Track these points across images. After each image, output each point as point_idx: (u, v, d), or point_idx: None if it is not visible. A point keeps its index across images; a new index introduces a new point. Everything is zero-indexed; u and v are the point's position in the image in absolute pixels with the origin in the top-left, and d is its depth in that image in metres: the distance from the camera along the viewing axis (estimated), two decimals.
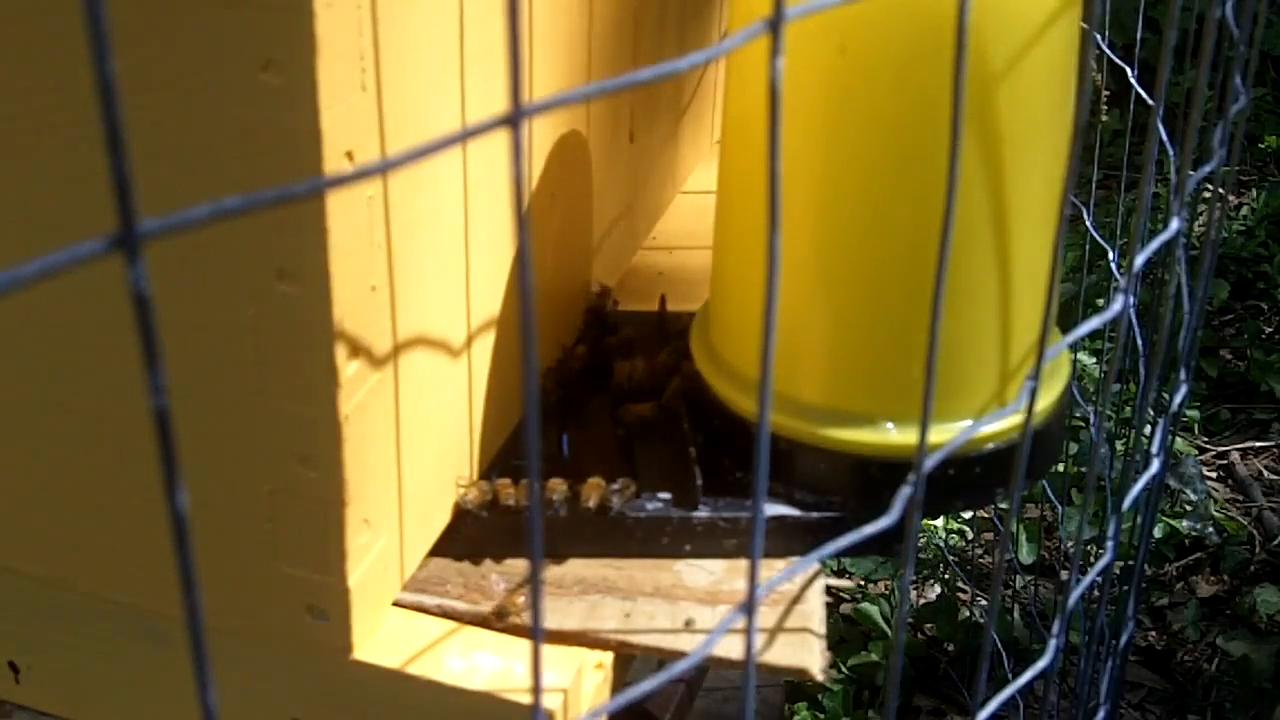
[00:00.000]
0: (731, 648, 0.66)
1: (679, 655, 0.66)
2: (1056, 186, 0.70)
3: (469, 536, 0.72)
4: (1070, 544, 1.62)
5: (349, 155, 0.55)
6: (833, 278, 0.71)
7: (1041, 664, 0.52)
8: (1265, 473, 1.92)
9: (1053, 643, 0.53)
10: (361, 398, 0.60)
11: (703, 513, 0.73)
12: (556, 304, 0.86)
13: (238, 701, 0.69)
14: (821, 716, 1.52)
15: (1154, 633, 1.67)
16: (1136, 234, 0.51)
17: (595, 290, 0.92)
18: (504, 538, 0.72)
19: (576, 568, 0.72)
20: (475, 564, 0.72)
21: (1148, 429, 1.04)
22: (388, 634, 0.67)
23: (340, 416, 0.59)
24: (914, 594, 1.70)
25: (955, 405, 0.72)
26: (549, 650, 0.67)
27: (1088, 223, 1.18)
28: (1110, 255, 1.04)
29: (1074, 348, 1.42)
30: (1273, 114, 2.72)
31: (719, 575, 0.72)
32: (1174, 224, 0.58)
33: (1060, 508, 1.54)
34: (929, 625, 1.67)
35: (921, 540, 1.76)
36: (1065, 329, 0.61)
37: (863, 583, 1.74)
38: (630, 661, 0.72)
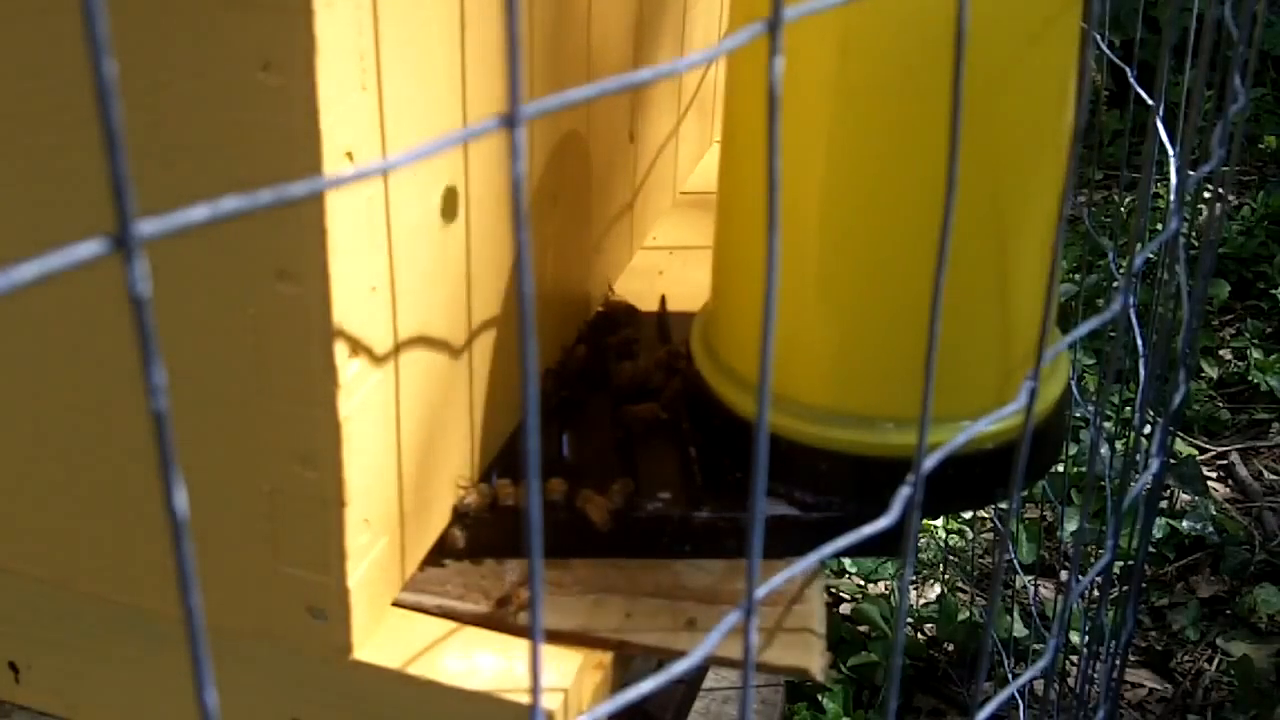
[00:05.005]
0: (731, 648, 0.66)
1: (679, 655, 0.66)
2: (1056, 186, 0.70)
3: (469, 537, 0.72)
4: (1070, 544, 1.62)
5: (349, 155, 0.55)
6: (833, 278, 0.71)
7: (1041, 664, 0.52)
8: (1265, 473, 1.92)
9: (1052, 643, 0.53)
10: (361, 398, 0.60)
11: (703, 513, 0.73)
12: (556, 304, 0.86)
13: (238, 701, 0.69)
14: (821, 716, 1.52)
15: (1154, 633, 1.67)
16: (1136, 234, 0.51)
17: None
18: (504, 538, 0.72)
19: (577, 568, 0.72)
20: (475, 564, 0.72)
21: (1147, 429, 1.04)
22: (387, 634, 0.67)
23: (340, 416, 0.59)
24: (914, 594, 1.70)
25: (955, 405, 0.72)
26: (549, 650, 0.67)
27: (1087, 223, 1.18)
28: (1110, 255, 1.04)
29: (1074, 348, 1.42)
30: (1272, 114, 2.72)
31: (719, 575, 0.72)
32: (1173, 224, 0.58)
33: (1060, 508, 1.54)
34: (929, 625, 1.67)
35: (921, 540, 1.76)
36: (1065, 329, 0.61)
37: (863, 583, 1.74)
38: (630, 661, 0.72)
